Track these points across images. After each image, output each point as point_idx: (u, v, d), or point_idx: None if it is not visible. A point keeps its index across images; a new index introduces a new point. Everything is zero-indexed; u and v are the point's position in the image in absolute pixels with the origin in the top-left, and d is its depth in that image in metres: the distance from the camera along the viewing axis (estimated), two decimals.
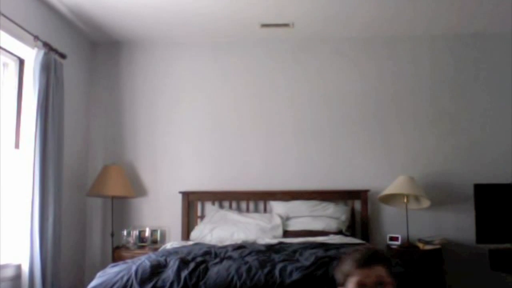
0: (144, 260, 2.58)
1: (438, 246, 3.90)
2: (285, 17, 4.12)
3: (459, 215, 4.26)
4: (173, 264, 2.44)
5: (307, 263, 2.42)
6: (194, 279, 2.31)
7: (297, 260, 2.58)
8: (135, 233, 4.25)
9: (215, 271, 2.36)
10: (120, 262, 2.70)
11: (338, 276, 1.83)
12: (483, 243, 3.91)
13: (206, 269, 2.40)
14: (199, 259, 2.59)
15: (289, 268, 2.34)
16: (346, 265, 1.79)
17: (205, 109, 4.59)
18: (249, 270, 2.33)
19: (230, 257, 2.69)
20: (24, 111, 3.49)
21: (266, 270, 2.33)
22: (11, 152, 3.48)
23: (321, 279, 2.28)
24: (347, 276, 1.77)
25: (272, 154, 4.51)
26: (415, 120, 4.44)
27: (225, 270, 2.36)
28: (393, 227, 4.27)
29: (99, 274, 2.54)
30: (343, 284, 1.79)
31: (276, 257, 2.65)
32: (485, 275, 3.99)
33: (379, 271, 1.75)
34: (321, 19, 4.15)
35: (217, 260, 2.57)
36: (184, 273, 2.34)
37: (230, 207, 4.43)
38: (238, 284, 2.26)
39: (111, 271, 2.49)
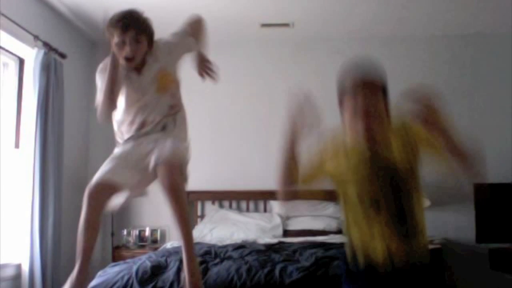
0: (144, 260, 2.59)
1: (438, 246, 3.90)
2: (285, 17, 4.12)
3: (459, 215, 4.26)
4: (173, 265, 2.44)
5: (307, 263, 2.42)
6: None
7: (297, 260, 2.58)
8: (135, 232, 4.25)
9: (215, 271, 2.36)
10: (121, 262, 2.70)
11: (338, 93, 1.75)
12: (483, 243, 3.90)
13: (206, 269, 2.40)
14: (199, 259, 2.59)
15: (289, 269, 2.34)
16: (343, 82, 1.71)
17: (205, 109, 4.59)
18: (249, 270, 2.33)
19: (230, 257, 2.69)
20: (24, 111, 3.50)
21: (266, 270, 2.33)
22: (11, 152, 3.48)
23: (321, 279, 2.28)
24: (343, 94, 1.71)
25: (272, 154, 4.47)
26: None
27: (225, 270, 2.36)
28: None
29: (99, 273, 2.55)
30: (341, 102, 1.73)
31: (276, 257, 2.65)
32: (485, 275, 3.99)
33: (369, 98, 1.65)
34: (321, 19, 4.15)
35: (217, 260, 2.57)
36: (184, 273, 2.34)
37: (230, 206, 4.43)
38: (238, 284, 2.26)
39: (111, 271, 2.49)
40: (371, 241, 1.64)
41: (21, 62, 3.65)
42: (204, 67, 2.43)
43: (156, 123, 2.13)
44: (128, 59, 2.01)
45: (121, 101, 2.10)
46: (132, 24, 1.99)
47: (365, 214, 1.67)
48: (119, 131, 2.18)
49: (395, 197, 1.66)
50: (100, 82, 2.08)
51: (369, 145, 1.66)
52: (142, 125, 2.12)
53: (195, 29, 2.35)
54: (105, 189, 1.97)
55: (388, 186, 1.66)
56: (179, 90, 2.27)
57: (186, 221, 1.96)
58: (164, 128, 2.14)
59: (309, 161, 1.79)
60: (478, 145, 1.64)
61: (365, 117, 1.64)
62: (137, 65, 2.08)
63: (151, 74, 2.10)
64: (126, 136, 2.16)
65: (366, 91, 1.67)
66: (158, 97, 2.12)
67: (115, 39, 1.99)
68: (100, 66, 2.13)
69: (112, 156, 2.14)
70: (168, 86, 2.14)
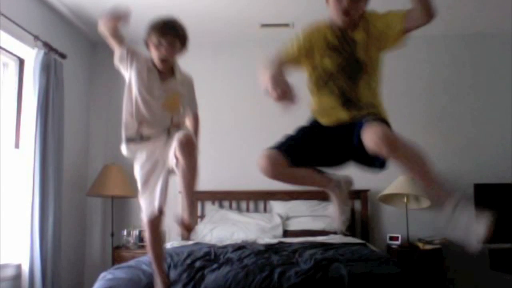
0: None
1: (438, 246, 3.90)
2: (285, 17, 4.12)
3: None
4: (180, 278, 2.42)
5: (306, 267, 2.42)
6: (191, 286, 2.31)
7: (296, 263, 2.57)
8: (135, 233, 4.25)
9: (213, 278, 2.35)
10: (123, 265, 2.68)
11: None
12: (483, 243, 3.90)
13: (203, 276, 2.40)
14: (198, 263, 2.58)
15: (287, 273, 2.33)
16: None
17: (205, 109, 4.55)
18: (247, 275, 2.32)
19: (228, 260, 2.67)
20: (24, 111, 3.50)
21: (264, 275, 2.32)
22: (11, 152, 3.48)
23: (320, 282, 2.27)
24: None
25: None
26: (415, 120, 4.44)
27: (222, 276, 2.35)
28: (393, 227, 4.27)
29: (102, 275, 2.52)
30: None
31: (275, 259, 2.64)
32: (485, 275, 4.00)
33: None
34: (321, 19, 4.14)
35: (215, 266, 2.55)
36: (183, 281, 2.34)
37: (230, 207, 4.43)
38: None
39: (119, 276, 2.45)
40: (321, 108, 2.11)
41: (21, 62, 3.65)
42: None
43: (156, 130, 2.31)
44: (162, 60, 2.30)
45: (135, 87, 2.33)
46: (172, 30, 2.31)
47: (321, 86, 2.05)
48: (125, 120, 2.35)
49: (350, 76, 1.98)
50: None
51: (343, 19, 2.01)
52: (142, 123, 2.30)
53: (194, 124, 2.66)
54: (157, 218, 2.47)
55: (346, 63, 1.99)
56: (183, 120, 2.49)
57: (197, 173, 2.21)
58: (168, 134, 2.32)
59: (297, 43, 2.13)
60: None
61: None
62: (166, 71, 2.35)
63: (171, 88, 2.35)
64: (130, 132, 2.32)
65: None
66: (163, 109, 2.32)
67: (154, 39, 2.31)
68: None
69: (140, 182, 2.46)
70: (174, 107, 2.36)
